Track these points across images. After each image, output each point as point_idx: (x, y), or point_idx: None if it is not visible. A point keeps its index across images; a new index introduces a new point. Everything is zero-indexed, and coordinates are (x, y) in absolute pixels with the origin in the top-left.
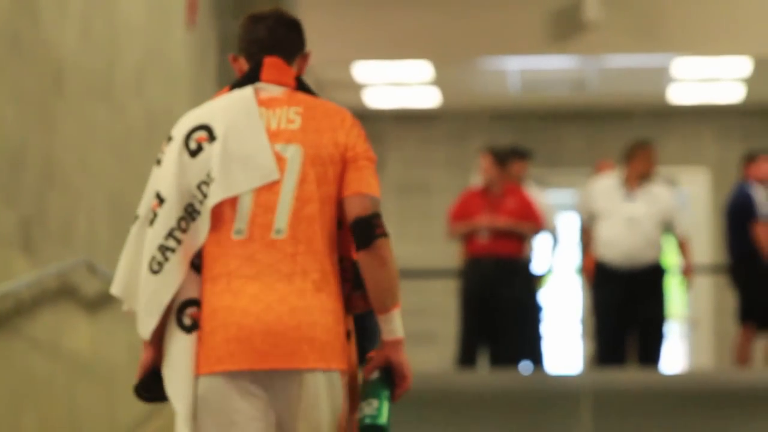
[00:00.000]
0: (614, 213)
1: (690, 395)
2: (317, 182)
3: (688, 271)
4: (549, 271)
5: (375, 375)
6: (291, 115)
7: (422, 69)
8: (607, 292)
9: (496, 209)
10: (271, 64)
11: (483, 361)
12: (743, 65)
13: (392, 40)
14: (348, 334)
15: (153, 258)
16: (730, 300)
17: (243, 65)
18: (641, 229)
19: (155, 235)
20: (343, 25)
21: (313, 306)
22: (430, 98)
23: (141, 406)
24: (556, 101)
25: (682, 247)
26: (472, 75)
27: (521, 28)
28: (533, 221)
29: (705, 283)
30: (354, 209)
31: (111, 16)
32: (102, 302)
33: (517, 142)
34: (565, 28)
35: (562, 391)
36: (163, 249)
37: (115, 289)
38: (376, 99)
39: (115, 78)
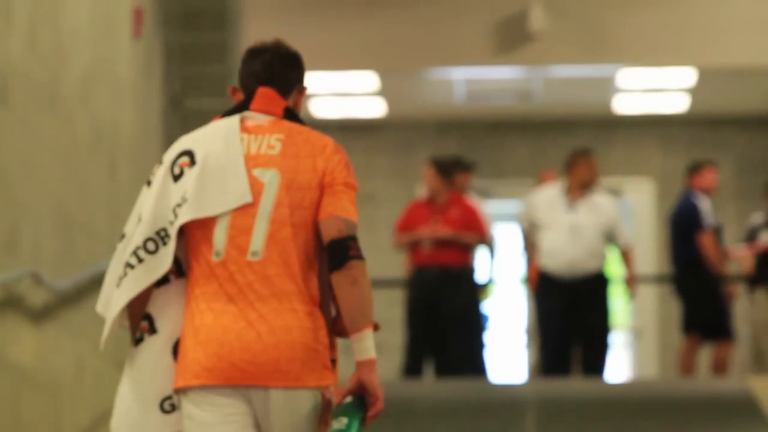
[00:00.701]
0: (557, 223)
1: (635, 404)
2: (293, 206)
3: (631, 281)
4: (492, 281)
5: (348, 399)
6: (272, 141)
7: (368, 79)
8: (551, 302)
9: (440, 219)
10: (262, 94)
11: (429, 371)
12: (688, 76)
13: (338, 50)
14: (332, 362)
15: (117, 274)
16: (675, 310)
17: (240, 97)
18: (583, 238)
19: (123, 254)
20: (289, 36)
21: (291, 325)
22: (375, 108)
23: (86, 416)
24: (502, 111)
25: (625, 256)
26: (417, 85)
27: (467, 39)
28: (477, 231)
29: (649, 293)
30: (329, 232)
31: (57, 26)
32: (47, 313)
33: (463, 152)
34: (511, 39)
35: (508, 400)
36: (127, 265)
37: (98, 306)
38: (321, 109)
39: (60, 88)
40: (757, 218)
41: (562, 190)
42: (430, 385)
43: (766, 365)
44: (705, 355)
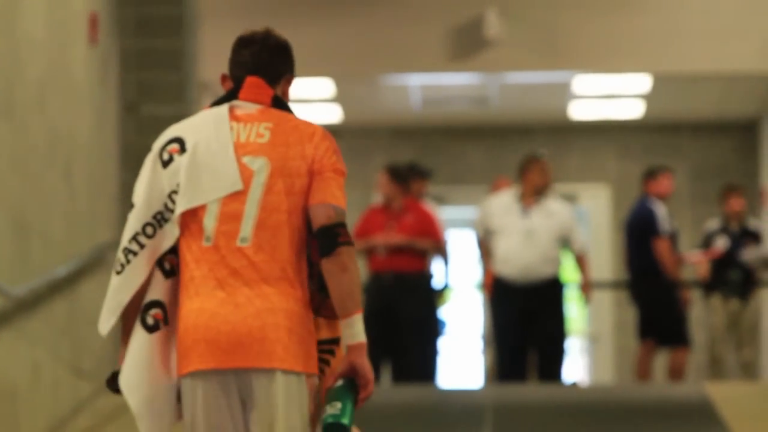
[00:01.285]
0: (511, 229)
1: (592, 410)
2: (283, 193)
3: (585, 287)
4: (448, 287)
5: (339, 383)
6: (261, 129)
7: (323, 86)
8: (506, 308)
9: (395, 226)
10: (251, 83)
11: (385, 376)
12: (643, 82)
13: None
14: (335, 341)
15: (117, 260)
16: (631, 315)
17: (229, 85)
18: (538, 244)
19: (122, 240)
20: None
21: (277, 309)
22: (331, 114)
23: (43, 423)
24: (458, 117)
25: (580, 262)
26: (373, 91)
27: (423, 46)
28: (432, 237)
29: (605, 299)
30: (318, 218)
31: (12, 33)
32: (3, 320)
33: (419, 158)
34: (467, 45)
35: (465, 405)
36: (127, 252)
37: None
38: None
39: (16, 95)
40: (712, 224)
41: (515, 196)
42: (387, 390)
43: (723, 371)
44: (661, 360)
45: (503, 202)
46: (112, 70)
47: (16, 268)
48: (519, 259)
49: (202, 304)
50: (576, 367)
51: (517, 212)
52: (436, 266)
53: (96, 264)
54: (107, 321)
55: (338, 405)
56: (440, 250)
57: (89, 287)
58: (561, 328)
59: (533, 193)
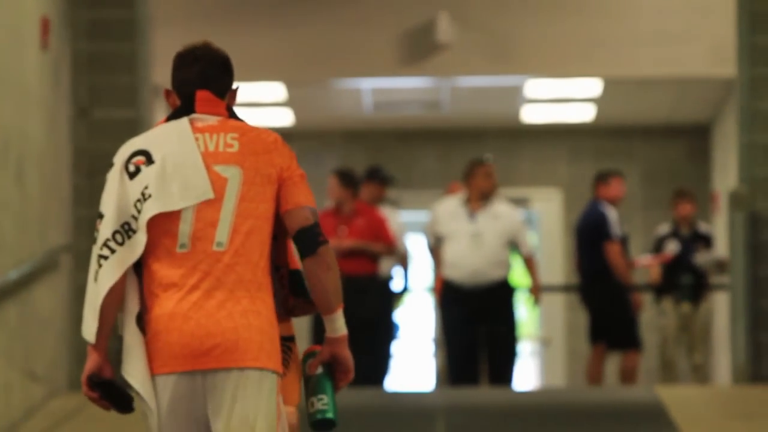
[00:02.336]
0: (458, 233)
1: (544, 413)
2: (256, 200)
3: (535, 290)
4: (406, 290)
5: (319, 370)
6: (228, 139)
7: (275, 89)
8: (455, 312)
9: (345, 230)
10: (203, 97)
11: None
12: (593, 86)
13: (244, 61)
14: (292, 338)
15: (92, 269)
16: (582, 319)
17: (176, 101)
18: (485, 248)
19: (95, 249)
20: None
21: (249, 311)
22: (282, 118)
23: None
24: (410, 121)
25: (528, 265)
26: (325, 95)
27: (374, 50)
28: (384, 241)
29: (557, 302)
30: (296, 221)
31: None
32: None
33: (371, 162)
34: (418, 50)
35: (416, 408)
36: (99, 258)
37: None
38: None
39: None
40: (663, 229)
41: (462, 201)
42: (339, 394)
43: (674, 374)
44: (613, 364)
45: (450, 207)
46: (64, 73)
47: None
48: (467, 263)
49: (174, 307)
50: (527, 370)
51: (464, 217)
52: (396, 269)
53: (48, 267)
54: (90, 326)
55: (324, 399)
56: (392, 252)
57: (41, 291)
58: (511, 331)
59: (479, 197)
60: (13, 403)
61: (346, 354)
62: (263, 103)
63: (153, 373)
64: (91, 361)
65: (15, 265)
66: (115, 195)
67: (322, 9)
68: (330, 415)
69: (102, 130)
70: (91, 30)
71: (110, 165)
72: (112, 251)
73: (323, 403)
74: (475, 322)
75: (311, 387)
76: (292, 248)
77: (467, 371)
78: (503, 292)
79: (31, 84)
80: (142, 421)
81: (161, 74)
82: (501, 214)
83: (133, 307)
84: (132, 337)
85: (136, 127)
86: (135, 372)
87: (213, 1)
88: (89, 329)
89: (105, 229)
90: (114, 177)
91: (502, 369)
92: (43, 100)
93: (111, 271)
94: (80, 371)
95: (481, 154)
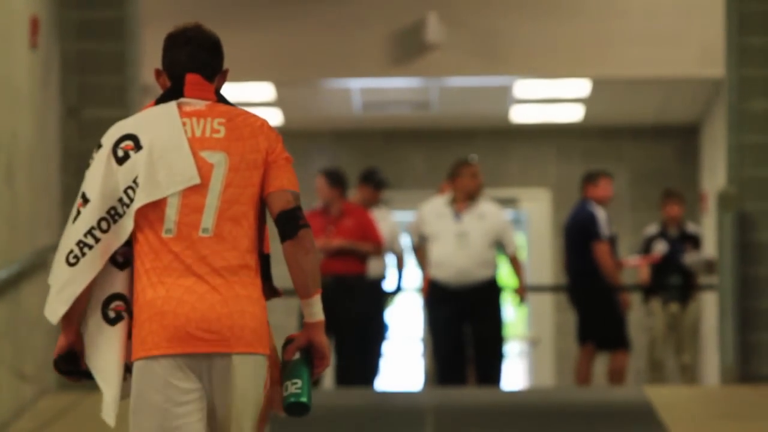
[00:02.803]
0: (444, 234)
1: (533, 413)
2: (242, 186)
3: (520, 289)
4: (398, 290)
5: (296, 356)
6: (215, 125)
7: (264, 89)
8: (441, 312)
9: (333, 230)
10: (192, 81)
11: (327, 378)
12: (582, 86)
13: (233, 61)
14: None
15: (71, 251)
16: (571, 319)
17: (165, 82)
18: (471, 247)
19: (75, 232)
20: None
21: (241, 296)
22: (271, 117)
23: None
24: (399, 121)
25: (514, 264)
26: (314, 95)
27: (363, 50)
28: (371, 241)
29: (546, 302)
30: (278, 203)
31: None
32: None
33: (360, 161)
34: (407, 51)
35: (405, 408)
36: (82, 245)
37: (50, 280)
38: None
39: None
40: (651, 229)
41: (448, 201)
42: (327, 392)
43: (662, 375)
44: (602, 365)
45: (436, 208)
46: (54, 73)
47: None
48: (453, 263)
49: (167, 292)
50: (516, 370)
51: (450, 217)
52: (388, 269)
53: (37, 267)
54: (58, 310)
55: (298, 383)
56: (380, 253)
57: (30, 291)
58: (497, 330)
59: (465, 197)
60: (2, 403)
61: (322, 339)
62: (252, 102)
63: (145, 355)
64: (63, 340)
65: (4, 265)
66: (102, 179)
67: (310, 9)
68: (304, 399)
69: (91, 130)
70: (81, 30)
71: (98, 146)
72: (97, 240)
73: (297, 387)
74: (462, 322)
75: (287, 371)
76: (268, 233)
77: (454, 371)
78: (489, 291)
79: (20, 84)
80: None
81: (150, 74)
82: (486, 213)
83: (100, 293)
84: (95, 325)
85: None
86: (97, 361)
87: (202, 1)
88: (57, 312)
89: (90, 217)
90: (101, 159)
91: (488, 369)
92: (32, 99)
93: (94, 260)
94: None
95: (469, 155)
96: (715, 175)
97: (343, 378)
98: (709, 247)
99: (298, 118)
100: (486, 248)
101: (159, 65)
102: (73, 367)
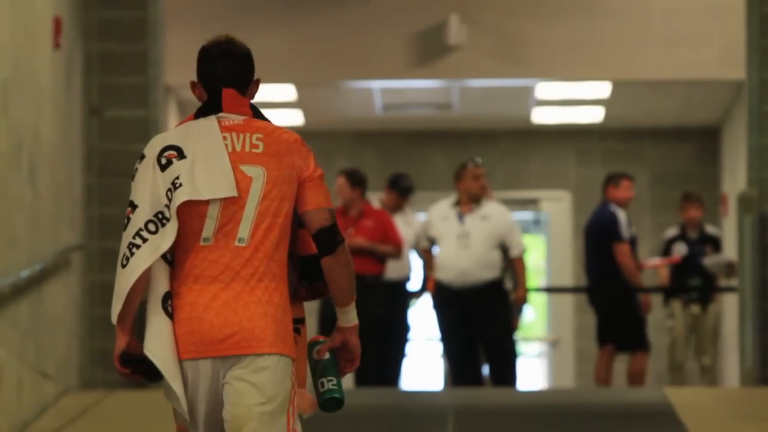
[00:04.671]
0: (447, 235)
1: (553, 413)
2: (277, 200)
3: (520, 293)
4: (421, 291)
5: (327, 356)
6: (254, 140)
7: (285, 90)
8: (447, 313)
9: (353, 231)
10: (229, 95)
11: (348, 379)
12: (603, 87)
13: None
14: (301, 320)
15: (123, 255)
16: (591, 320)
17: (202, 94)
18: (472, 249)
19: (126, 236)
20: None
21: (265, 301)
22: (292, 118)
23: (6, 426)
24: (420, 122)
25: (516, 267)
26: (335, 96)
27: (385, 53)
28: (391, 242)
29: (566, 304)
30: (317, 221)
31: None
32: None
33: (381, 162)
34: (429, 53)
35: (426, 408)
36: (131, 246)
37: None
38: None
39: None
40: (671, 231)
41: (453, 203)
42: (348, 392)
43: (683, 376)
44: (622, 366)
45: (441, 210)
46: (76, 73)
47: None
48: (455, 264)
49: (195, 297)
50: (536, 371)
51: (454, 219)
52: (409, 270)
53: (59, 267)
54: (114, 309)
55: (333, 380)
56: (399, 255)
57: (53, 290)
58: (503, 331)
59: (468, 199)
60: (24, 401)
61: (356, 342)
62: (273, 103)
63: (180, 358)
64: (120, 341)
65: (27, 264)
66: (149, 186)
67: (332, 11)
68: (338, 395)
69: (114, 130)
70: (103, 30)
71: (141, 156)
72: (144, 240)
73: (333, 384)
74: (467, 323)
75: (320, 370)
76: (304, 236)
77: (467, 372)
78: (492, 293)
79: (43, 84)
80: (166, 401)
81: (172, 74)
82: (491, 215)
83: (160, 289)
84: (157, 317)
85: (148, 127)
86: (157, 351)
87: (224, 2)
88: (113, 311)
89: (138, 219)
90: (146, 168)
91: (500, 370)
92: (55, 99)
93: (143, 258)
94: (92, 370)
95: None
96: (735, 177)
97: (365, 378)
98: (730, 250)
99: (319, 119)
100: (488, 250)
101: (182, 65)
102: (131, 367)
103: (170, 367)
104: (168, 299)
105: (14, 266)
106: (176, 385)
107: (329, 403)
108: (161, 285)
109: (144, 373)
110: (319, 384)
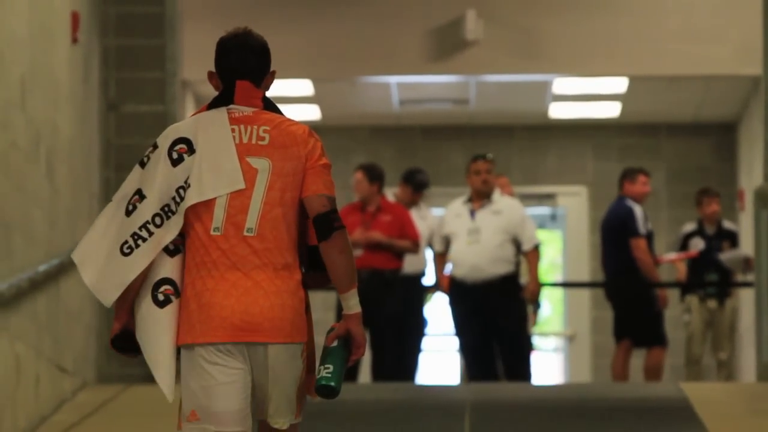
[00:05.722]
0: (459, 231)
1: (570, 408)
2: (282, 190)
3: (531, 287)
4: (435, 287)
5: (335, 343)
6: (260, 132)
7: (302, 85)
8: (460, 308)
9: (370, 225)
10: (242, 87)
11: (366, 373)
12: (619, 82)
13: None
14: (306, 308)
15: (125, 242)
16: (608, 315)
17: (218, 84)
18: (483, 244)
19: (131, 224)
20: None
21: (281, 290)
22: (309, 113)
23: (24, 420)
24: (438, 117)
25: (529, 261)
26: (352, 90)
27: (402, 48)
28: (409, 237)
29: (582, 299)
30: (314, 207)
31: None
32: None
33: (398, 157)
34: (446, 48)
35: (444, 402)
36: (136, 236)
37: (75, 255)
38: None
39: None
40: (688, 227)
41: (465, 200)
42: (366, 387)
43: (699, 371)
44: (639, 361)
45: (455, 208)
46: (94, 68)
47: None
48: (467, 259)
49: (216, 284)
50: (553, 366)
51: (466, 215)
52: (426, 265)
53: None
54: (111, 294)
55: (330, 368)
56: (417, 250)
57: (70, 285)
58: (516, 326)
59: (476, 195)
60: (42, 396)
61: (359, 330)
62: (290, 98)
63: (193, 342)
64: (115, 325)
65: (44, 259)
66: (158, 178)
67: (349, 6)
68: (332, 383)
69: (131, 125)
70: (121, 25)
71: (154, 145)
72: (150, 234)
73: (328, 371)
74: (481, 318)
75: (323, 356)
76: (311, 226)
77: (481, 367)
78: (506, 288)
79: (61, 79)
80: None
81: (189, 69)
82: (503, 210)
83: (153, 276)
84: (145, 302)
85: (165, 122)
86: (146, 341)
87: None
88: (110, 297)
89: (146, 210)
90: (158, 159)
91: (513, 364)
92: (72, 94)
93: (146, 252)
94: (109, 365)
95: (510, 150)
96: (752, 173)
97: (381, 373)
98: (747, 245)
99: (336, 115)
100: (500, 245)
101: (199, 61)
102: (128, 344)
103: (153, 353)
104: (160, 286)
105: (32, 261)
106: (157, 370)
107: (320, 390)
108: (156, 272)
109: (136, 351)
110: (317, 370)
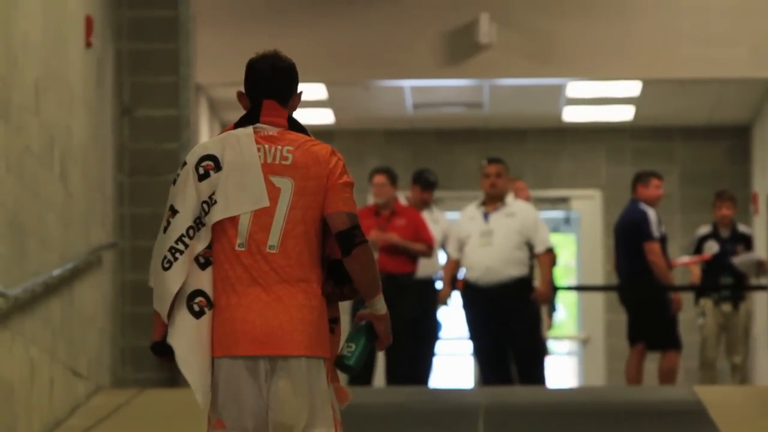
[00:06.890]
0: (473, 234)
1: (584, 412)
2: (304, 209)
3: (542, 288)
4: (453, 289)
5: (363, 323)
6: (284, 152)
7: (315, 89)
8: (474, 311)
9: (385, 228)
10: (268, 106)
11: (380, 376)
12: (633, 86)
13: None
14: (335, 320)
15: (165, 258)
16: (622, 318)
17: (247, 104)
18: (496, 246)
19: (167, 240)
20: (237, 48)
21: (302, 305)
22: (323, 117)
23: (39, 424)
24: (451, 120)
25: (541, 263)
26: (365, 94)
27: (415, 52)
28: (423, 241)
29: (596, 302)
30: (336, 224)
31: (8, 35)
32: (1, 320)
33: (412, 161)
34: (460, 52)
35: (458, 406)
36: (173, 250)
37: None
38: None
39: (13, 97)
40: (703, 230)
41: (479, 203)
42: (380, 391)
43: (713, 375)
44: (653, 364)
45: (469, 211)
46: (108, 72)
47: (13, 268)
48: (480, 262)
49: (239, 299)
50: (567, 369)
51: (480, 218)
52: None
53: (91, 265)
54: (163, 310)
55: (352, 347)
56: (431, 253)
57: (85, 289)
58: (529, 329)
59: (489, 198)
60: (56, 400)
61: (383, 330)
62: (304, 102)
63: (222, 354)
64: (156, 333)
65: (59, 263)
66: (188, 193)
67: (362, 10)
68: (350, 362)
69: (145, 129)
70: (134, 29)
71: (183, 163)
72: (186, 246)
73: (350, 350)
74: (495, 321)
75: (350, 334)
76: (334, 241)
77: (496, 370)
78: (519, 290)
79: (75, 83)
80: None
81: (203, 73)
82: (516, 213)
83: (187, 288)
84: (180, 313)
85: (179, 126)
86: (177, 345)
87: (255, 2)
88: (163, 311)
89: (179, 224)
90: (186, 176)
91: (526, 367)
92: (86, 98)
93: (184, 263)
94: (123, 369)
95: (523, 154)
96: (766, 176)
97: (395, 376)
98: (761, 248)
99: (349, 118)
100: (513, 247)
101: (213, 65)
102: (166, 349)
103: (188, 361)
104: (195, 297)
105: (46, 265)
106: (192, 378)
107: (339, 364)
108: (189, 284)
109: (172, 356)
110: (341, 347)
